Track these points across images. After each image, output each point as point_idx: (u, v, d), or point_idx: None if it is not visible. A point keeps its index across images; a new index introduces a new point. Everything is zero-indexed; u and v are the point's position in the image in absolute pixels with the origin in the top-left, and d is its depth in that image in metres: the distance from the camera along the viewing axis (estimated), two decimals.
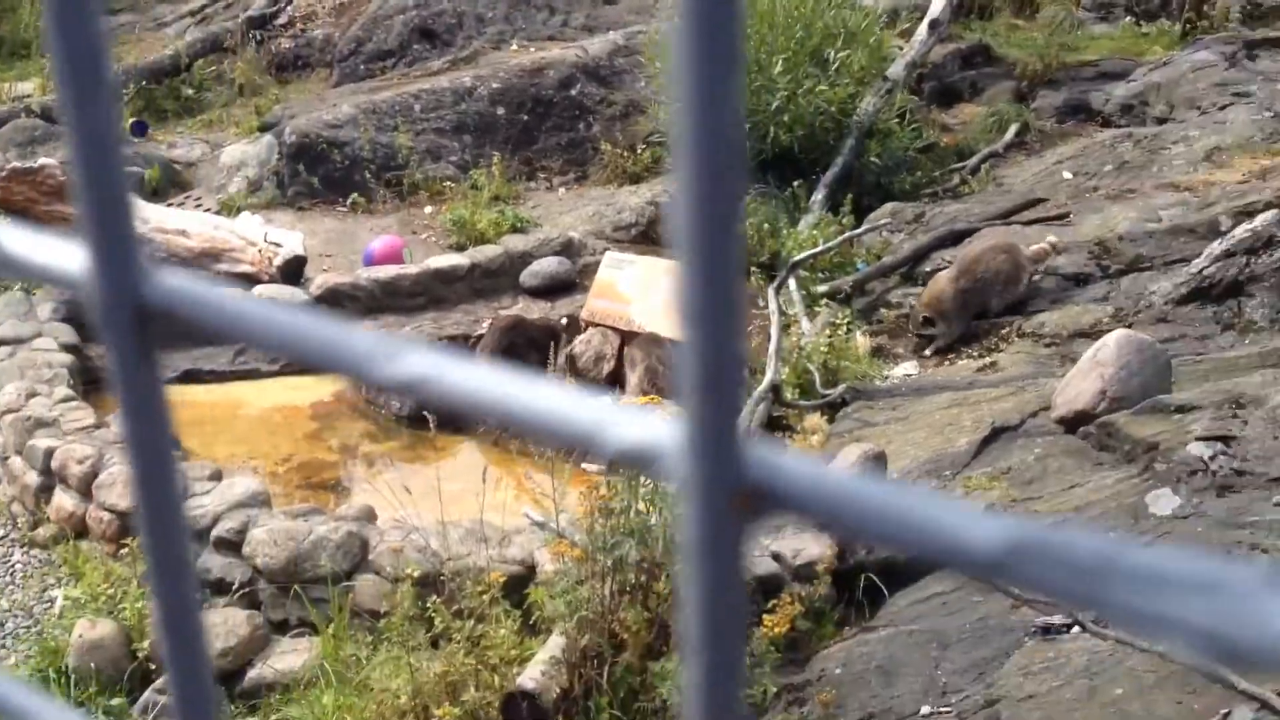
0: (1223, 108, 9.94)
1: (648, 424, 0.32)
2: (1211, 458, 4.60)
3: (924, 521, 0.30)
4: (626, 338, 7.45)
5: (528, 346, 7.45)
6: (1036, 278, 7.37)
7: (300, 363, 0.36)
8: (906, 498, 0.30)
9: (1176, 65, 11.03)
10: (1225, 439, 4.67)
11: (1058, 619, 4.11)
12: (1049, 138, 10.81)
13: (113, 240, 0.37)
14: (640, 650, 4.00)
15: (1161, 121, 10.32)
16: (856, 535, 0.30)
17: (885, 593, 4.63)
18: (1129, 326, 6.14)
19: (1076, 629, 4.04)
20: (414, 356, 0.36)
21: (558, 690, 3.94)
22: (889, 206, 9.29)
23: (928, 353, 7.19)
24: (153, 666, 4.24)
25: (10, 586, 4.94)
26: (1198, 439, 4.71)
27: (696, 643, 0.33)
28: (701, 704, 0.33)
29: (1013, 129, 10.86)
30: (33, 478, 5.54)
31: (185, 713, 0.40)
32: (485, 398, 0.34)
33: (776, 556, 4.77)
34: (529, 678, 3.94)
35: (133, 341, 0.37)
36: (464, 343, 7.91)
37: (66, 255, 0.39)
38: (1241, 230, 6.52)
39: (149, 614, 4.43)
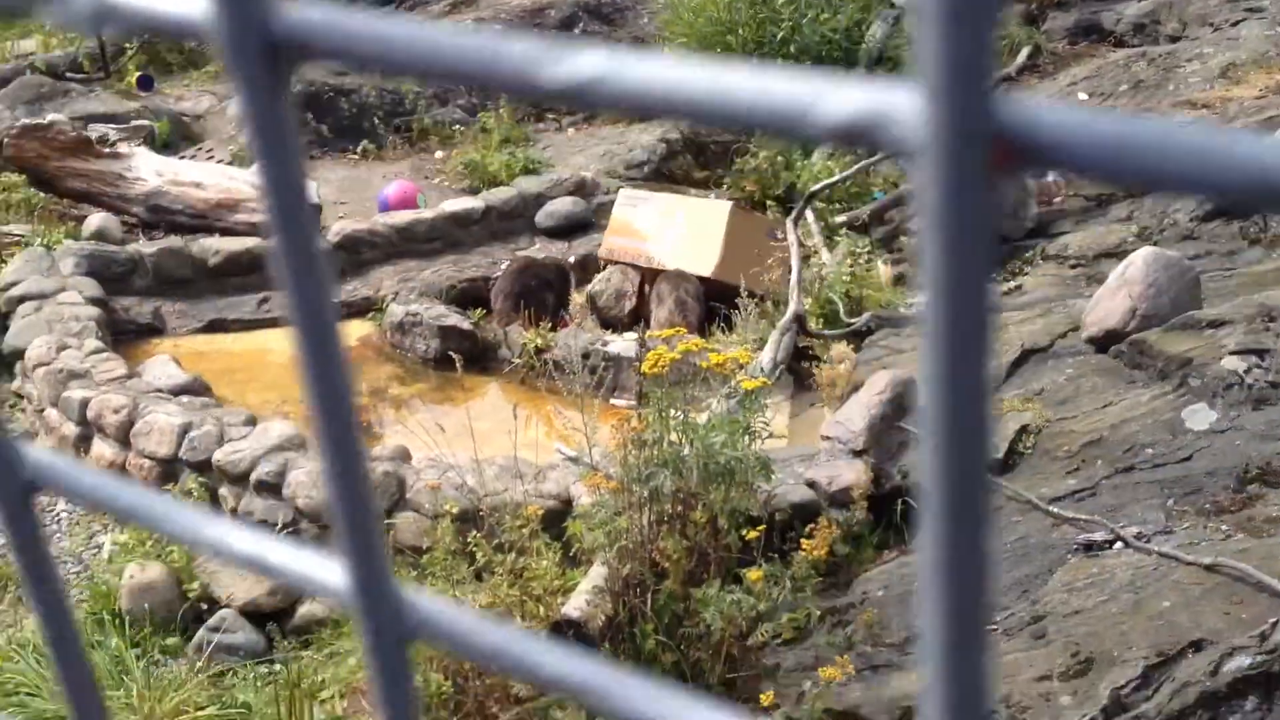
0: (1235, 24, 9.83)
1: (871, 90, 0.28)
2: (1246, 371, 4.61)
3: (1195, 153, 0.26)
4: (646, 274, 7.43)
5: (542, 288, 7.45)
6: (1050, 207, 7.32)
7: (454, 82, 0.34)
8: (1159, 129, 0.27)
9: None
10: (1259, 352, 4.67)
11: (1099, 536, 4.13)
12: (1061, 59, 10.72)
13: (372, 568, 0.37)
14: (681, 577, 4.03)
15: (1174, 39, 10.21)
16: (1131, 175, 0.26)
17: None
18: (1154, 245, 6.11)
19: (1119, 545, 4.06)
20: (583, 56, 0.32)
21: (603, 618, 3.98)
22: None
23: None
24: (204, 606, 4.29)
25: (58, 535, 4.98)
26: (1231, 353, 4.71)
27: (935, 333, 0.29)
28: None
29: (1024, 52, 10.76)
30: (70, 429, 5.58)
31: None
32: (670, 88, 0.30)
33: (811, 484, 4.79)
34: (574, 607, 3.98)
35: (264, 79, 0.34)
36: (484, 284, 7.90)
37: (327, 571, 0.39)
38: None
39: (195, 557, 4.48)
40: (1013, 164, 0.27)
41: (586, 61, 0.31)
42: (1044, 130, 0.27)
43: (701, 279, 7.24)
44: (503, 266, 7.91)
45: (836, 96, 0.28)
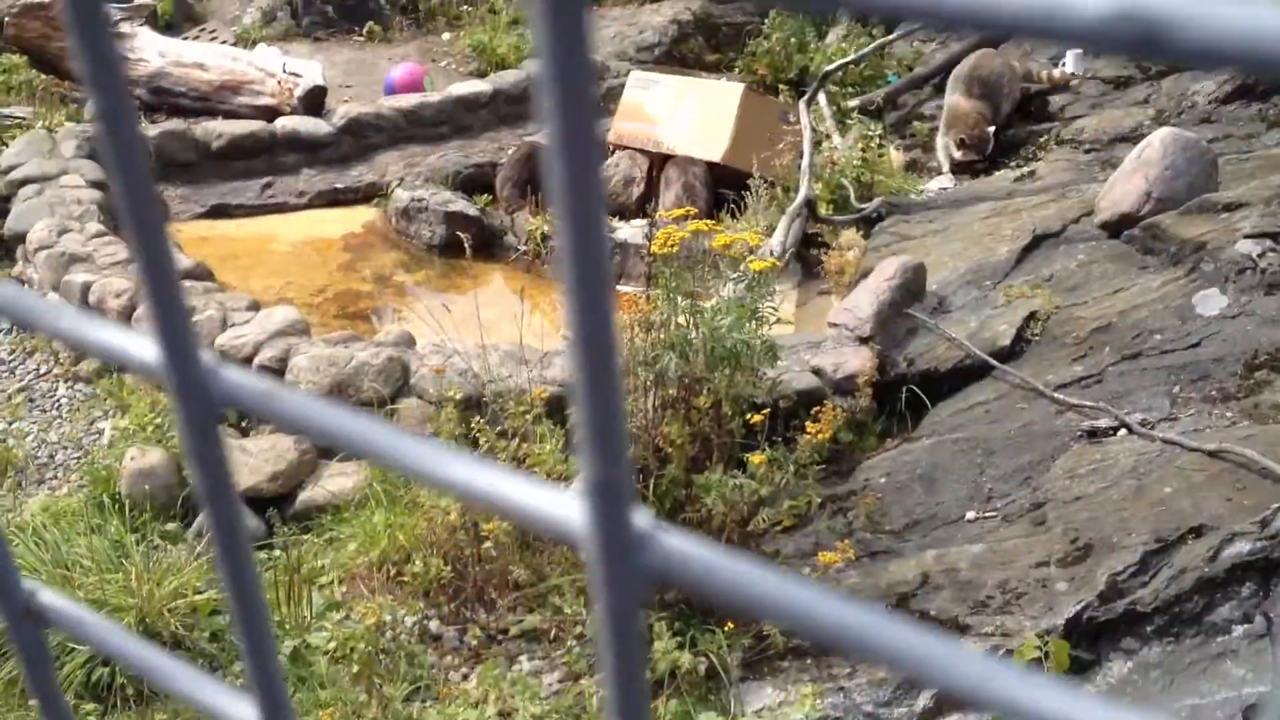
0: None
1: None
2: (1260, 255, 4.52)
3: None
4: (655, 160, 7.32)
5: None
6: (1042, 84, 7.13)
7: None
8: None
9: None
10: (1274, 236, 4.58)
11: (1104, 422, 4.09)
12: None
13: (179, 344, 0.39)
14: (684, 463, 4.02)
15: None
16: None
17: (928, 404, 4.62)
18: (1172, 127, 5.97)
19: (1123, 431, 4.03)
20: None
21: None
22: None
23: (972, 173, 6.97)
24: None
25: (58, 420, 4.99)
26: (1246, 236, 4.62)
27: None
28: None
29: None
30: None
31: None
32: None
33: (816, 371, 4.76)
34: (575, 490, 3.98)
35: (203, 429, 0.40)
36: (490, 170, 7.80)
37: (142, 348, 0.41)
38: None
39: None
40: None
41: None
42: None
43: (712, 164, 7.13)
44: (509, 153, 7.80)
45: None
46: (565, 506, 0.35)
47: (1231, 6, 0.24)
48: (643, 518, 0.34)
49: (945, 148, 7.07)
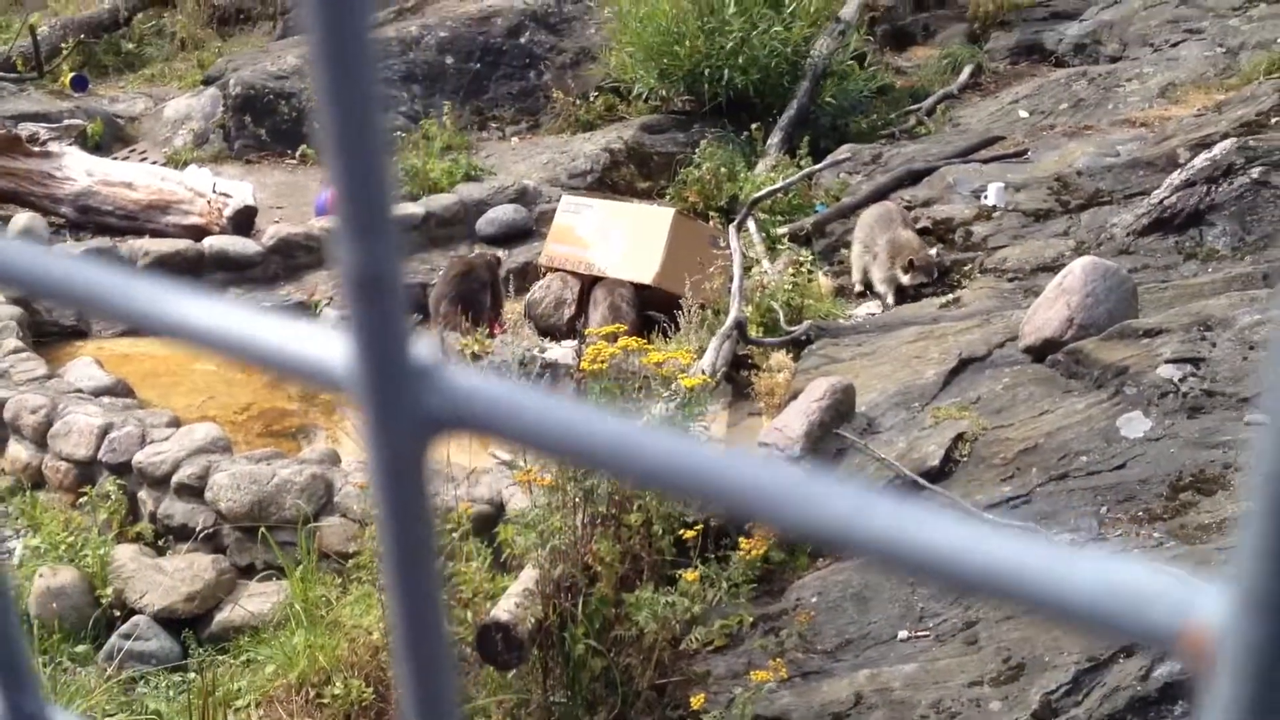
0: (1175, 44, 9.96)
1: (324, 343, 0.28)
2: (1181, 379, 4.60)
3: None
4: (586, 282, 7.36)
5: (481, 290, 7.36)
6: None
7: (582, 463, 0.30)
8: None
9: (1128, 3, 11.03)
10: (1195, 361, 4.67)
11: None
12: (1003, 78, 10.81)
13: (392, 359, 0.31)
14: (614, 581, 3.95)
15: (1115, 60, 10.32)
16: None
17: None
18: None
19: None
20: None
21: (532, 621, 3.88)
22: (847, 146, 9.25)
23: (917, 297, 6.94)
24: (116, 613, 4.15)
25: None
26: (1167, 361, 4.71)
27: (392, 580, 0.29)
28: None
29: (967, 70, 10.84)
30: None
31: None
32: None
33: None
34: (503, 609, 3.88)
35: (410, 450, 0.31)
36: (422, 290, 7.79)
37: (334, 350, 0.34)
38: (1201, 160, 6.53)
39: (111, 560, 4.34)
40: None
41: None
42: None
43: (643, 287, 7.19)
44: (441, 271, 7.81)
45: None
46: (327, 343, 0.31)
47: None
48: (424, 348, 0.29)
49: (890, 279, 7.08)
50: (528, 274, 7.96)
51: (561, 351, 6.65)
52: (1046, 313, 5.32)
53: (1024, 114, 9.51)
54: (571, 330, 7.13)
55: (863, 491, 0.26)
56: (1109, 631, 0.23)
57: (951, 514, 0.25)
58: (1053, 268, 6.41)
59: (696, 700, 3.59)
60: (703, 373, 5.57)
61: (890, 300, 7.06)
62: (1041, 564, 0.23)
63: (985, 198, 7.72)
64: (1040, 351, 5.27)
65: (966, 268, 7.12)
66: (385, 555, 0.27)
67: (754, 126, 9.61)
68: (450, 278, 7.47)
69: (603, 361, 4.19)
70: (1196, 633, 0.22)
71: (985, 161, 8.29)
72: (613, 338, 4.48)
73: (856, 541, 0.25)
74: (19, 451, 5.23)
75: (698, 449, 0.27)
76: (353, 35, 0.27)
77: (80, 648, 3.97)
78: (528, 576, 4.06)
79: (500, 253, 8.27)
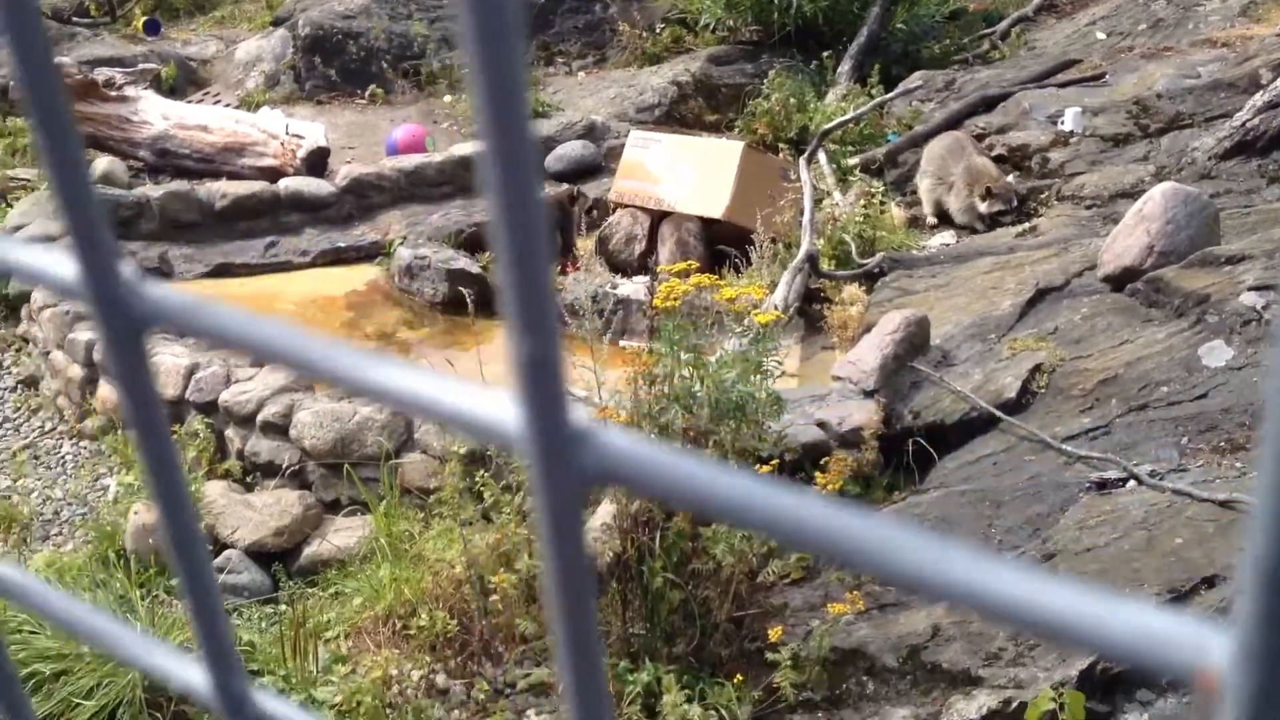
0: None
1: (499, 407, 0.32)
2: (1264, 307, 4.53)
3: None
4: (656, 217, 7.36)
5: (554, 230, 7.40)
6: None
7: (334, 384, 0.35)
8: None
9: None
10: (1278, 288, 4.59)
11: (1112, 474, 4.08)
12: None
13: (98, 260, 0.37)
14: (690, 515, 3.99)
15: None
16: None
17: (935, 457, 4.60)
18: None
19: (1132, 483, 4.01)
20: None
21: (611, 555, 3.95)
22: (919, 74, 9.10)
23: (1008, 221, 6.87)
24: (209, 547, 4.27)
25: (63, 477, 4.97)
26: (1249, 289, 4.63)
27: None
28: None
29: None
30: (76, 370, 5.55)
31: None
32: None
33: (821, 424, 4.75)
34: None
35: (127, 348, 0.38)
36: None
37: (61, 266, 0.39)
38: None
39: (202, 496, 4.46)
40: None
41: None
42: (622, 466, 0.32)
43: (713, 221, 7.17)
44: (548, 187, 7.84)
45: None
46: (499, 407, 0.35)
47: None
48: (580, 414, 0.33)
49: (969, 208, 6.99)
50: (597, 210, 7.96)
51: (633, 287, 6.67)
52: (1126, 240, 5.24)
53: (1101, 35, 9.29)
54: (643, 266, 7.15)
55: (942, 547, 0.31)
56: (1141, 666, 0.29)
57: (1018, 567, 0.30)
58: (1132, 194, 6.30)
59: (774, 632, 3.63)
60: (775, 308, 5.56)
61: (979, 226, 6.97)
62: (1089, 611, 0.29)
63: (1062, 123, 7.58)
64: (1119, 280, 5.20)
65: (1043, 195, 7.02)
66: (549, 585, 0.32)
67: (825, 55, 9.49)
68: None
69: (675, 299, 4.20)
70: (1207, 674, 0.27)
71: (1061, 86, 8.13)
72: (685, 274, 4.49)
73: (935, 590, 0.31)
74: (110, 391, 5.38)
75: (811, 503, 0.31)
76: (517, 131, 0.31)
77: (175, 581, 4.10)
78: (605, 511, 4.12)
79: (574, 188, 8.27)
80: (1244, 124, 6.41)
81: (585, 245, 7.61)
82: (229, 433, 5.03)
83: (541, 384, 0.32)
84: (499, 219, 0.33)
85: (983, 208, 6.89)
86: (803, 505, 0.30)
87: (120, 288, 0.37)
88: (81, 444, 5.23)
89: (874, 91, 8.69)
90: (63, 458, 5.12)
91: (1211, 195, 5.76)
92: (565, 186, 8.17)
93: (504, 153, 0.31)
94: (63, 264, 0.39)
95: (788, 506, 0.31)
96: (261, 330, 0.38)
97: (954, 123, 8.01)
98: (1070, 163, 7.18)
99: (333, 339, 0.38)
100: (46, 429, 5.37)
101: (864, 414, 4.77)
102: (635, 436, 0.33)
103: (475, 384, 0.35)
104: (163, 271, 7.17)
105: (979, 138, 7.55)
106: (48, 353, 5.81)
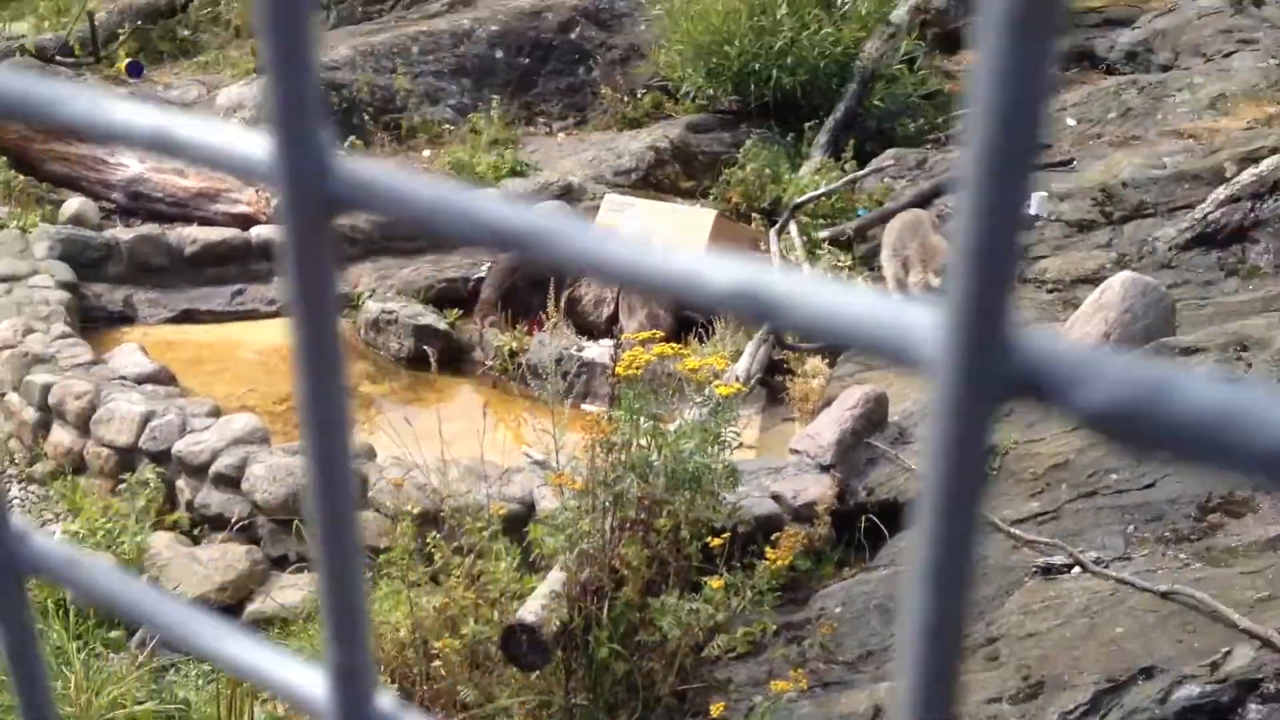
0: (1228, 55, 9.85)
1: (897, 308, 0.29)
2: None
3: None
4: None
5: (529, 288, 7.42)
6: None
7: (506, 250, 0.34)
8: None
9: (1182, 12, 10.92)
10: (1230, 381, 4.65)
11: (1058, 559, 4.10)
12: (1053, 85, 10.72)
13: (300, 132, 0.35)
14: (640, 586, 3.99)
15: (1166, 69, 10.23)
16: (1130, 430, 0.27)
17: (886, 535, 4.62)
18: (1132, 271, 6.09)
19: (1077, 569, 4.03)
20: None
21: (558, 624, 3.93)
22: (891, 152, 9.22)
23: None
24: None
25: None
26: None
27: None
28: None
29: None
30: (30, 413, 5.52)
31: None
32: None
33: (776, 497, 4.76)
34: (529, 611, 3.93)
35: (315, 231, 0.35)
36: (463, 285, 7.88)
37: (252, 144, 0.37)
38: (1247, 175, 6.47)
39: (147, 548, 4.43)
40: (1017, 401, 0.28)
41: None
42: (1052, 375, 0.27)
43: None
44: (484, 268, 7.88)
45: (870, 308, 0.29)
46: (311, 683, 0.36)
47: (824, 293, 0.29)
48: (386, 699, 0.35)
49: (924, 284, 7.06)
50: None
51: (598, 350, 6.69)
52: (1084, 327, 5.30)
53: (1071, 122, 9.44)
54: (610, 329, 7.17)
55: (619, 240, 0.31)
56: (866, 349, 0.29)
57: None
58: (1093, 280, 6.37)
59: (716, 708, 3.62)
60: (737, 379, 5.59)
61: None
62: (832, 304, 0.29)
63: (1028, 207, 7.68)
64: None
65: None
66: (931, 495, 0.30)
67: (807, 125, 9.60)
68: (496, 272, 7.54)
69: (637, 367, 4.22)
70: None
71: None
72: (648, 342, 4.51)
73: (605, 271, 0.31)
74: (62, 436, 5.34)
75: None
76: None
77: (114, 634, 4.06)
78: (555, 578, 4.11)
79: None
80: (1205, 216, 6.51)
81: (552, 308, 7.64)
82: (180, 483, 5.00)
83: (350, 687, 0.34)
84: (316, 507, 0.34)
85: (936, 284, 6.97)
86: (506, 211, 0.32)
87: (317, 166, 0.36)
88: (30, 488, 5.20)
89: (848, 166, 8.79)
90: (10, 501, 5.08)
91: (1170, 285, 5.84)
92: None
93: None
94: (254, 142, 0.37)
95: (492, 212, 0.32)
96: (123, 589, 0.40)
97: (923, 200, 8.10)
98: (1034, 246, 7.27)
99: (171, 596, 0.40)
100: None
101: (819, 488, 4.79)
102: (379, 164, 0.34)
103: (292, 660, 0.37)
104: (126, 316, 7.15)
105: (946, 217, 7.64)
106: (3, 394, 5.77)
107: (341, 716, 0.36)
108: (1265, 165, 6.47)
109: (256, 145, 0.36)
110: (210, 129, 0.38)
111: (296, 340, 0.36)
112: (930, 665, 0.30)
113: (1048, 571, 4.04)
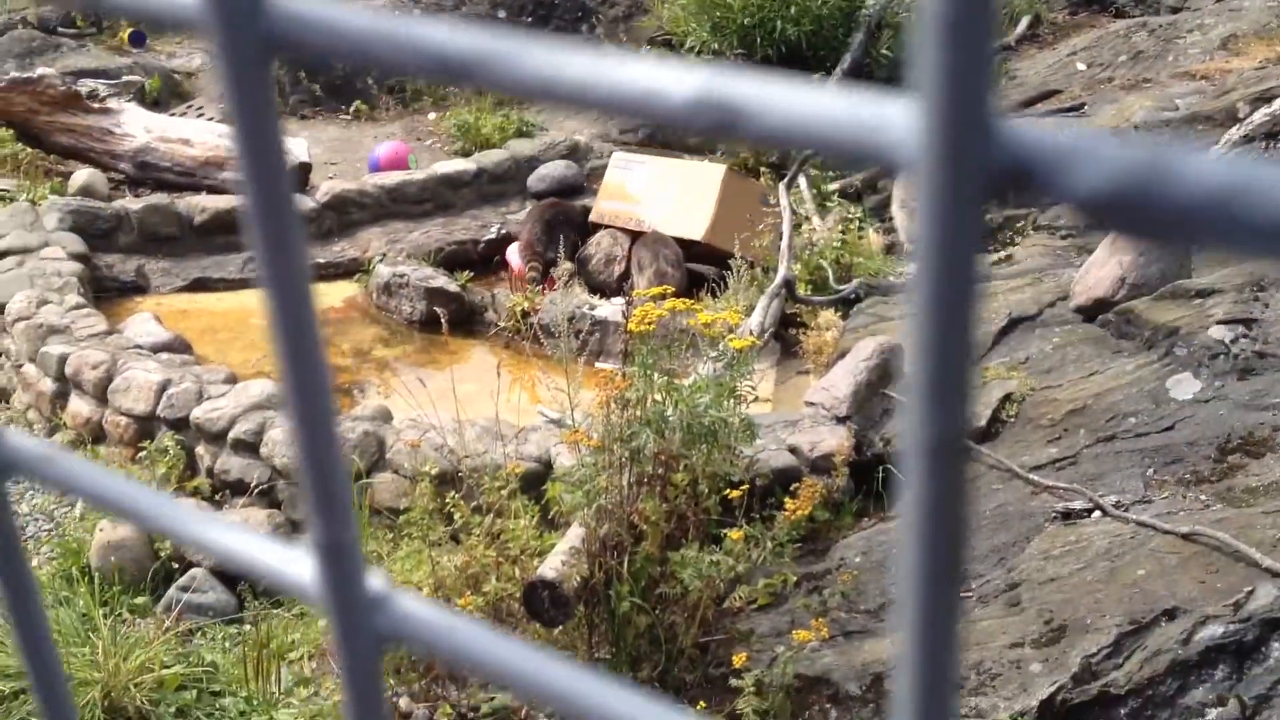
0: None
1: (869, 104, 0.28)
2: (1233, 341, 4.56)
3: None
4: (635, 238, 7.38)
5: (566, 225, 7.47)
6: None
7: (452, 81, 0.33)
8: None
9: None
10: (1246, 321, 4.63)
11: (1078, 504, 4.10)
12: (1061, 30, 10.63)
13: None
14: (659, 540, 4.00)
15: (1176, 10, 10.12)
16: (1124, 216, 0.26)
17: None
18: None
19: (1097, 513, 4.03)
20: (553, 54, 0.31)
21: (578, 579, 3.94)
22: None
23: None
24: (175, 565, 4.26)
25: (30, 491, 4.94)
26: (1218, 322, 4.67)
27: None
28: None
29: (1024, 21, 10.67)
30: (47, 384, 5.53)
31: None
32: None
33: (793, 449, 4.76)
34: (549, 567, 3.95)
35: (254, 75, 0.34)
36: (473, 247, 7.88)
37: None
38: (1260, 115, 6.41)
39: None
40: (1005, 190, 0.27)
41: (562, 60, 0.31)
42: (1041, 160, 0.26)
43: (692, 243, 7.20)
44: (493, 230, 7.91)
45: (842, 108, 0.27)
46: (299, 567, 0.36)
47: (792, 96, 0.27)
48: (377, 580, 0.34)
49: None
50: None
51: (611, 309, 6.68)
52: (1099, 272, 5.28)
53: (1081, 66, 9.36)
54: (621, 287, 7.16)
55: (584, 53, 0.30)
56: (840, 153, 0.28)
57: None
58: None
59: (739, 658, 3.64)
60: (750, 333, 5.58)
61: None
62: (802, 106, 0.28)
63: None
64: (1091, 311, 5.24)
65: (1019, 224, 7.06)
66: (922, 302, 0.29)
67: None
68: (537, 210, 7.68)
69: (650, 323, 4.21)
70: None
71: (1041, 116, 8.18)
72: (660, 298, 4.50)
73: (554, 92, 0.30)
74: (80, 406, 5.36)
75: (589, 681, 0.32)
76: None
77: (139, 599, 4.09)
78: (574, 535, 4.12)
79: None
80: (1220, 157, 6.45)
81: (564, 265, 7.63)
82: (199, 450, 5.02)
83: (339, 564, 0.34)
84: (288, 390, 0.33)
85: None
86: (567, 675, 0.32)
87: (250, 4, 0.35)
88: None
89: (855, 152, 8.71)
90: None
91: None
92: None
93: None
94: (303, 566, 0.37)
95: (558, 677, 0.32)
96: (101, 481, 0.39)
97: None
98: None
99: (158, 492, 0.40)
100: None
101: (836, 440, 4.79)
102: (428, 602, 0.34)
103: (277, 542, 0.36)
104: (139, 286, 7.15)
105: None
106: (20, 366, 5.79)
107: (332, 597, 0.35)
108: (1278, 104, 6.41)
109: None
110: None
111: (247, 194, 0.35)
112: (934, 481, 0.29)
113: (1067, 516, 4.04)
